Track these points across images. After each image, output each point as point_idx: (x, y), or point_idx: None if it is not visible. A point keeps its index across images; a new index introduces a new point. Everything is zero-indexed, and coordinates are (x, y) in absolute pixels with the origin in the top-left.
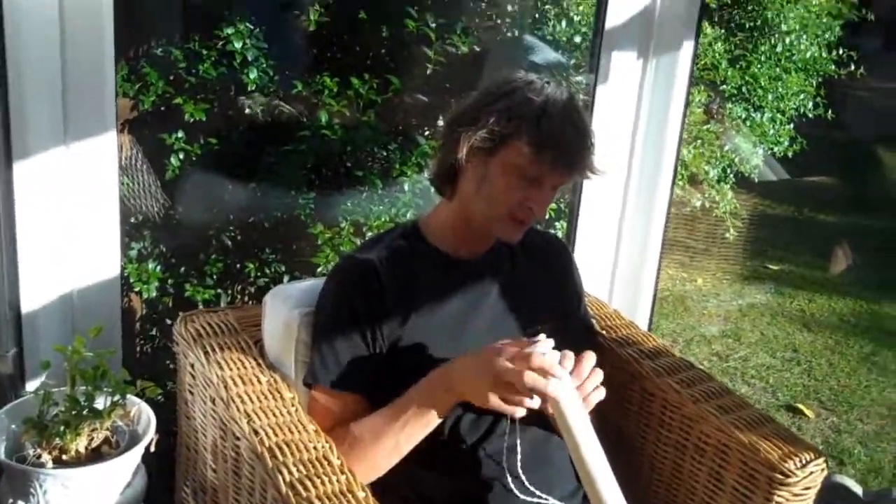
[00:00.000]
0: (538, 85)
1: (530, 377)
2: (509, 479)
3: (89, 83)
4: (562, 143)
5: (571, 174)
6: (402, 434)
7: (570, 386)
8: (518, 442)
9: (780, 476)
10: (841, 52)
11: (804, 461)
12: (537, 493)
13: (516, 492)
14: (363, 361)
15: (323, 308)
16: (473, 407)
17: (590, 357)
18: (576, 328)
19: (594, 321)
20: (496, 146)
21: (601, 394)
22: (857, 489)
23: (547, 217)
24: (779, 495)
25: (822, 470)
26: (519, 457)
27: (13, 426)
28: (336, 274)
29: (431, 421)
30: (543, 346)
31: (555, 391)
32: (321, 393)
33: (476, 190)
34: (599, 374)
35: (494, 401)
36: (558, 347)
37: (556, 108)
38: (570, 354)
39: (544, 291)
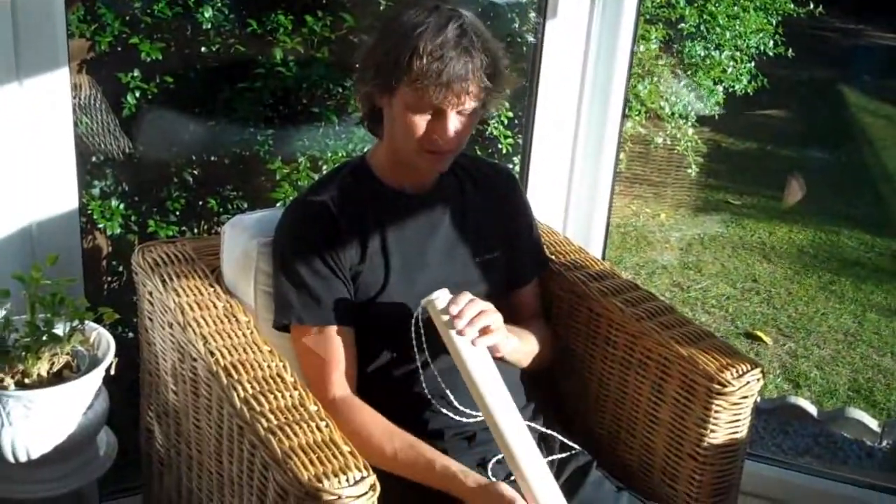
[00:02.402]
0: (417, 18)
1: None
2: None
3: (40, 22)
4: (441, 70)
5: (461, 97)
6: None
7: None
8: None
9: (717, 386)
10: None
11: (741, 371)
12: (467, 411)
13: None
14: (335, 291)
15: (281, 250)
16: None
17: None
18: (526, 253)
19: (546, 247)
20: (389, 89)
21: (488, 339)
22: (812, 409)
23: (504, 152)
24: (716, 404)
25: (759, 380)
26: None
27: None
28: (289, 215)
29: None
30: None
31: None
32: (304, 334)
33: (391, 129)
34: (485, 319)
35: None
36: (508, 274)
37: (430, 37)
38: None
39: (494, 220)
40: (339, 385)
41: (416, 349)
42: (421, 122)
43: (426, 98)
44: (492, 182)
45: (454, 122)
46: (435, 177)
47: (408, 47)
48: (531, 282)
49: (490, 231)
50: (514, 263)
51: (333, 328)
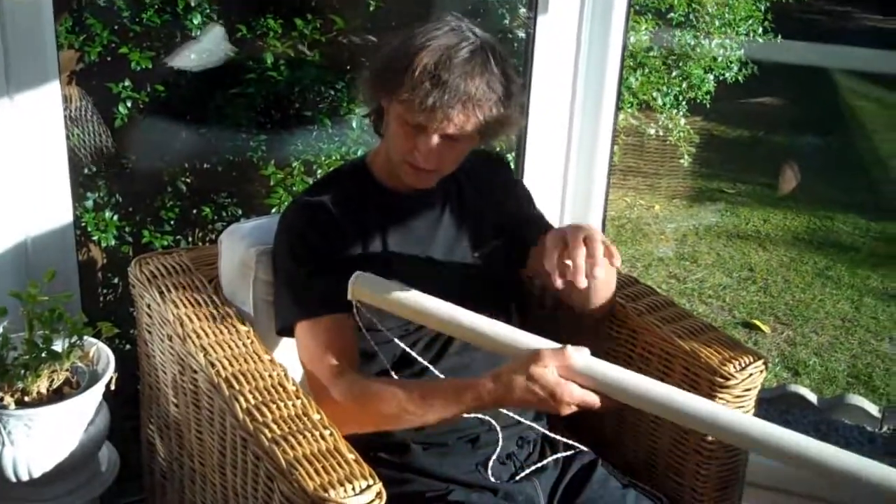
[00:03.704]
0: (432, 32)
1: None
2: None
3: (29, 34)
4: (429, 92)
5: (443, 123)
6: (418, 409)
7: None
8: (471, 360)
9: (720, 379)
10: None
11: (744, 364)
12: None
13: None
14: (334, 284)
15: (280, 253)
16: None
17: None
18: (530, 222)
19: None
20: (387, 93)
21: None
22: (812, 397)
23: (498, 148)
24: (720, 397)
25: (762, 371)
26: None
27: None
28: (288, 218)
29: (449, 416)
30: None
31: None
32: (303, 329)
33: (386, 133)
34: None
35: None
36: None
37: (430, 56)
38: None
39: (490, 208)
40: (344, 371)
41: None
42: (406, 134)
43: (411, 113)
44: (483, 171)
45: (436, 145)
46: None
47: (407, 59)
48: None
49: (488, 221)
50: (520, 235)
51: (331, 317)
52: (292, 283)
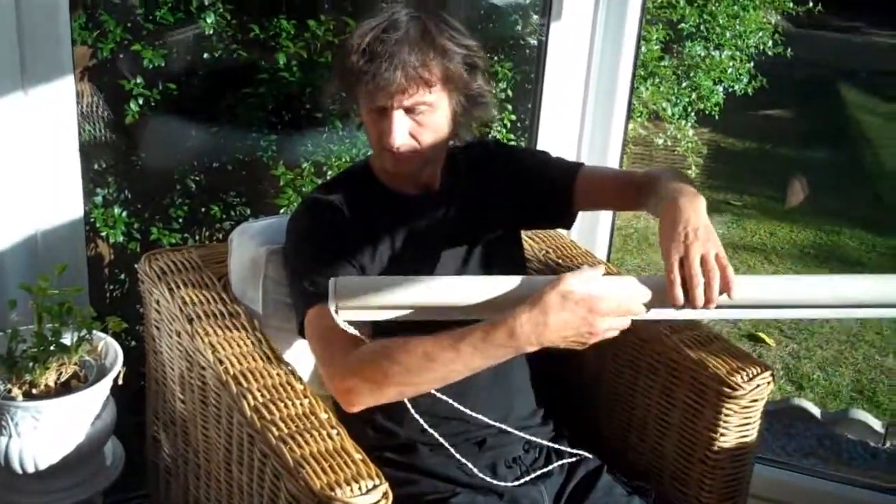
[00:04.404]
0: (360, 25)
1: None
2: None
3: (45, 30)
4: (367, 68)
5: (394, 94)
6: (446, 355)
7: None
8: None
9: (727, 389)
10: None
11: (751, 375)
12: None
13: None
14: (345, 271)
15: (290, 252)
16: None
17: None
18: (553, 170)
19: (552, 251)
20: (351, 94)
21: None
22: (816, 411)
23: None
24: (727, 408)
25: (769, 383)
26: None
27: None
28: (297, 216)
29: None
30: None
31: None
32: (310, 318)
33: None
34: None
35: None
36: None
37: (359, 36)
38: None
39: (497, 197)
40: (357, 342)
41: None
42: (373, 122)
43: (367, 97)
44: (481, 162)
45: (399, 120)
46: (437, 177)
47: (346, 50)
48: (576, 179)
49: (497, 211)
50: (551, 192)
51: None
52: (301, 278)
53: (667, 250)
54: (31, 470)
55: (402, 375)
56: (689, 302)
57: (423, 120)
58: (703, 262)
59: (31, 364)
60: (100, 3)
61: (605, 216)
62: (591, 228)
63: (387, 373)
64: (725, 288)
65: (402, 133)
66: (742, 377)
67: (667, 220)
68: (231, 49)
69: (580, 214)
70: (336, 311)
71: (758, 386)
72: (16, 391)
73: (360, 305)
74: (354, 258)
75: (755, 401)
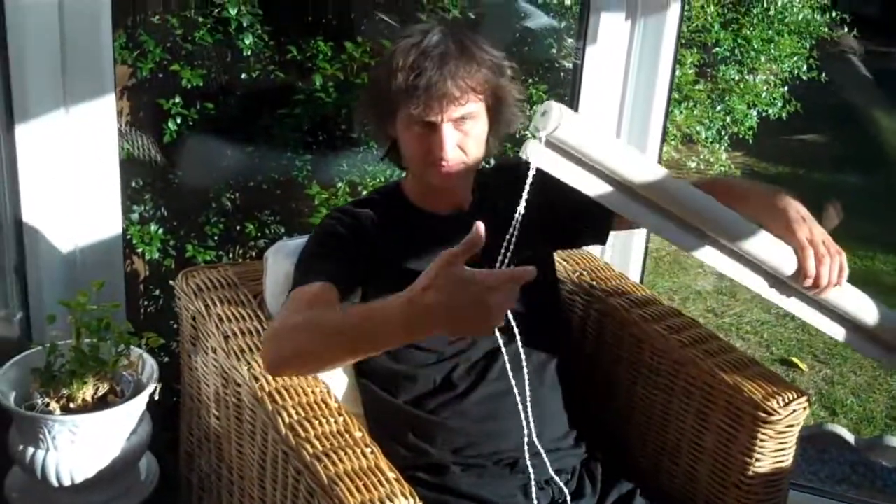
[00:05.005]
0: (394, 47)
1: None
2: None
3: (87, 49)
4: (417, 83)
5: (444, 105)
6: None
7: None
8: (514, 385)
9: (763, 414)
10: (834, 14)
11: (787, 400)
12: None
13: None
14: (344, 268)
15: (306, 243)
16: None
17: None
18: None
19: (586, 273)
20: (386, 116)
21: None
22: (850, 437)
23: None
24: (763, 433)
25: (805, 408)
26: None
27: (22, 377)
28: (323, 219)
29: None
30: None
31: None
32: (292, 296)
33: (405, 154)
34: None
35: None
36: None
37: (404, 53)
38: None
39: (535, 215)
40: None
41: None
42: (419, 138)
43: (413, 113)
44: (514, 183)
45: (449, 133)
46: (468, 196)
47: (387, 72)
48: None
49: (529, 231)
50: (589, 213)
51: (323, 284)
52: (301, 260)
53: (790, 230)
54: (67, 483)
55: (302, 343)
56: (816, 279)
57: (468, 130)
58: (826, 244)
59: (69, 378)
60: (140, 23)
61: (639, 240)
62: (625, 251)
63: (290, 345)
64: (840, 275)
65: (452, 145)
66: (778, 402)
67: (775, 209)
68: (268, 70)
69: (613, 239)
70: (541, 139)
71: (794, 411)
72: (54, 405)
73: (573, 148)
74: (362, 264)
75: (791, 426)
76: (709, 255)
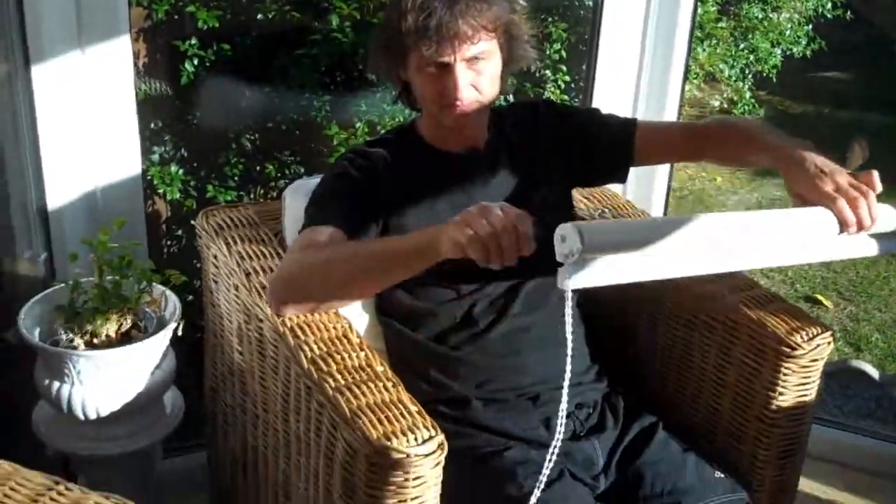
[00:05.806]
0: None
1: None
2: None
3: None
4: (427, 23)
5: (456, 45)
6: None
7: None
8: (532, 322)
9: (787, 349)
10: None
11: (811, 335)
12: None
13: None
14: (354, 208)
15: (318, 184)
16: (485, 291)
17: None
18: (618, 133)
19: (608, 210)
20: (398, 59)
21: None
22: (874, 372)
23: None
24: (786, 367)
25: (829, 343)
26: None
27: (46, 314)
28: (338, 159)
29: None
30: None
31: None
32: (302, 236)
33: (418, 96)
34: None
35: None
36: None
37: None
38: None
39: (549, 155)
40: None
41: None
42: (432, 79)
43: (426, 55)
44: (530, 120)
45: (462, 73)
46: (483, 135)
47: (397, 10)
48: (636, 131)
49: (547, 169)
50: (610, 149)
51: (335, 228)
52: (313, 202)
53: (814, 186)
54: (92, 416)
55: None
56: (860, 223)
57: (482, 69)
58: (854, 185)
59: (92, 315)
60: None
61: (662, 177)
62: (647, 188)
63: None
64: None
65: (466, 85)
66: (802, 337)
67: (796, 167)
68: (284, 10)
69: (635, 176)
70: (574, 262)
71: (818, 346)
72: (78, 340)
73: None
74: (373, 207)
75: (815, 360)
76: (769, 260)
